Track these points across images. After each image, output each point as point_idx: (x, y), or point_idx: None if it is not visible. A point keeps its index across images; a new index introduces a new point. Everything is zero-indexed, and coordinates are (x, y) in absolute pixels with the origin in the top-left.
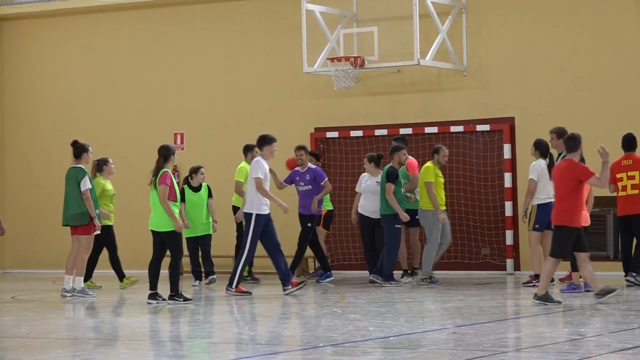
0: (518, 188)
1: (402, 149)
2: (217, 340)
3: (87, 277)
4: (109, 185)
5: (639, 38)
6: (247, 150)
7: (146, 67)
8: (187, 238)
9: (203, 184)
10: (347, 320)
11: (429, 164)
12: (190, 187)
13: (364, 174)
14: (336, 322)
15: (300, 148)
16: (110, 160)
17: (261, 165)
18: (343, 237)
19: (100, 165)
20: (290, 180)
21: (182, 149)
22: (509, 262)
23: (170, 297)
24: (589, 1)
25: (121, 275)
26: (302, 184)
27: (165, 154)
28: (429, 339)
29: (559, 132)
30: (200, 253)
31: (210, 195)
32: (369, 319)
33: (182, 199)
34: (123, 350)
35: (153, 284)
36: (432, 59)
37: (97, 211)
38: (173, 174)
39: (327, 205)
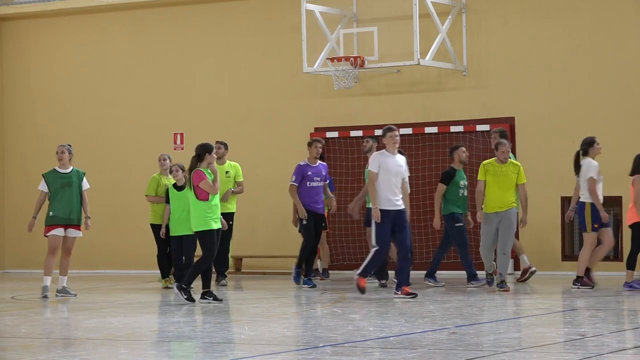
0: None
1: (460, 147)
2: (217, 340)
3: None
4: (163, 181)
5: (639, 38)
6: None
7: (146, 67)
8: (171, 237)
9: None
10: (347, 320)
11: (486, 161)
12: (175, 187)
13: None
14: (336, 322)
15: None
16: (161, 156)
17: (376, 159)
18: (343, 237)
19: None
20: (300, 177)
21: (182, 149)
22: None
23: (202, 296)
24: (589, 1)
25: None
26: (318, 179)
27: (198, 152)
28: (429, 339)
29: (502, 133)
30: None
31: None
32: (369, 319)
33: (167, 200)
34: (123, 350)
35: (205, 284)
36: (432, 59)
37: (51, 213)
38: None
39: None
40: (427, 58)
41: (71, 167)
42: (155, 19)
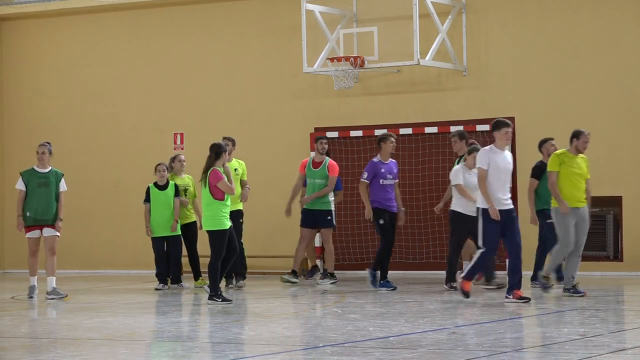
0: (518, 188)
1: (549, 140)
2: (217, 340)
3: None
4: (177, 181)
5: (638, 38)
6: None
7: (146, 67)
8: (152, 239)
9: (170, 182)
10: (347, 320)
11: (559, 151)
12: (156, 186)
13: (457, 167)
14: (336, 322)
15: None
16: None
17: (485, 156)
18: (343, 237)
19: (169, 163)
20: (373, 174)
21: (182, 149)
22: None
23: (210, 298)
24: (589, 1)
25: (197, 275)
26: (390, 177)
27: (216, 151)
28: (429, 339)
29: (461, 135)
30: (181, 256)
31: (176, 194)
32: (369, 319)
33: (147, 199)
34: (123, 350)
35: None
36: (432, 59)
37: (27, 214)
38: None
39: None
40: (427, 58)
41: (50, 167)
42: (155, 19)
